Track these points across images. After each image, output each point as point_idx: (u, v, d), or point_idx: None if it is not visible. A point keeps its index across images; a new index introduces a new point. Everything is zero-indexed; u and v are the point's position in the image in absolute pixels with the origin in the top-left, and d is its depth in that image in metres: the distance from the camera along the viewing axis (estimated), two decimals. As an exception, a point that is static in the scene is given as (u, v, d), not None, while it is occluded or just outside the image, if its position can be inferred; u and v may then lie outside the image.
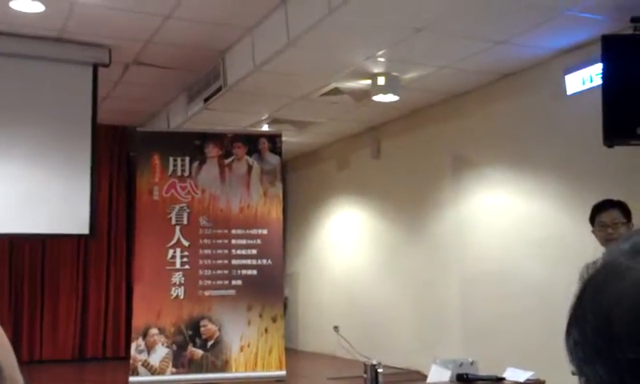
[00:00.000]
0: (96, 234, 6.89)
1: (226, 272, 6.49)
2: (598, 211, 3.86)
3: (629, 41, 4.49)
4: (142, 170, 6.71)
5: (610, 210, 3.82)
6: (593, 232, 3.89)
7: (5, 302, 8.58)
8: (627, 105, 4.35)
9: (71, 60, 6.24)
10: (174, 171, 6.65)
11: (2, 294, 8.59)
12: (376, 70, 5.99)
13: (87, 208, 6.25)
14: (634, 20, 4.45)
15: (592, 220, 3.89)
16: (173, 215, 6.54)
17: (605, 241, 3.79)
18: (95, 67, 6.33)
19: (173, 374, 6.21)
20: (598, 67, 4.78)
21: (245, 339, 6.38)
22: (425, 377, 6.14)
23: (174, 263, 6.45)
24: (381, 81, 6.01)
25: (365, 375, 3.70)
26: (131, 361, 6.27)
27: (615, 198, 3.97)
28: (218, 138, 6.84)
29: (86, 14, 5.50)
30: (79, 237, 7.33)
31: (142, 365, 6.21)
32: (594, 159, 5.09)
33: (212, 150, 6.77)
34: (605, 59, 4.48)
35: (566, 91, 5.35)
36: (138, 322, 6.35)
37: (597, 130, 4.54)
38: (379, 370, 3.64)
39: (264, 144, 6.87)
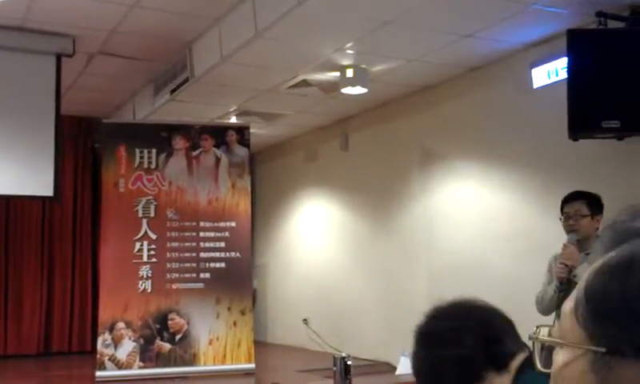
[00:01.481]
0: (61, 200, 6.68)
1: (194, 265, 6.45)
2: (564, 202, 3.93)
3: (594, 35, 4.55)
4: (108, 162, 6.63)
5: (574, 202, 3.87)
6: (560, 221, 3.97)
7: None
8: (592, 98, 4.40)
9: (34, 50, 6.12)
10: (141, 163, 6.58)
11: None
12: (344, 63, 5.98)
13: (51, 170, 6.06)
14: (599, 14, 4.51)
15: (561, 210, 3.97)
16: (139, 208, 6.48)
17: (567, 231, 3.86)
18: (59, 57, 6.21)
19: (140, 368, 6.17)
20: (564, 61, 4.83)
21: (213, 332, 6.35)
22: (394, 368, 6.18)
23: (140, 256, 6.39)
24: (349, 73, 6.01)
25: (334, 368, 3.71)
26: (98, 355, 6.21)
27: (582, 190, 4.03)
28: (185, 129, 6.79)
29: (50, 2, 5.39)
30: (43, 198, 7.10)
31: (109, 359, 6.15)
32: (561, 152, 5.16)
33: (179, 142, 6.72)
34: (570, 53, 4.53)
35: (532, 85, 5.40)
36: (104, 315, 6.28)
37: (563, 123, 4.60)
38: (348, 363, 3.65)
39: (232, 136, 6.83)
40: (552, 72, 5.24)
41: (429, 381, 1.44)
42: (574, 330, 0.69)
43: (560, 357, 0.70)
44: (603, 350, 0.65)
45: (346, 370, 3.71)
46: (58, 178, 6.13)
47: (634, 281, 0.64)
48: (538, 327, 3.21)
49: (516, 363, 1.64)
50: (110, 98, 8.08)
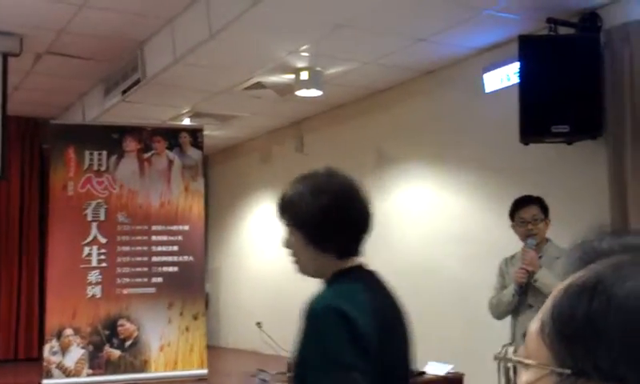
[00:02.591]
0: (7, 179, 6.43)
1: (145, 269, 6.33)
2: (517, 207, 3.94)
3: (545, 41, 4.61)
4: (56, 165, 6.46)
5: (529, 206, 3.90)
6: (512, 227, 3.96)
7: None
8: (543, 104, 4.47)
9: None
10: (91, 166, 6.44)
11: None
12: (299, 65, 5.95)
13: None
14: (549, 21, 4.57)
15: (512, 215, 3.96)
16: (89, 211, 6.33)
17: (525, 237, 3.88)
18: (5, 56, 6.03)
19: (89, 375, 6.02)
20: (516, 66, 4.90)
21: (165, 338, 6.24)
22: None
23: (90, 261, 6.24)
24: (304, 76, 5.98)
25: (289, 374, 3.66)
26: (45, 363, 6.03)
27: (533, 194, 4.08)
28: (136, 131, 6.66)
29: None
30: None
31: (57, 367, 5.98)
32: (512, 156, 5.22)
33: (130, 144, 6.59)
34: (521, 59, 4.59)
35: (484, 89, 5.46)
36: (51, 322, 6.11)
37: (514, 127, 4.65)
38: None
39: (185, 138, 6.73)
40: (504, 77, 5.31)
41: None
42: (539, 351, 0.68)
43: (525, 377, 0.69)
44: (568, 371, 0.64)
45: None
46: (5, 159, 5.95)
47: (600, 302, 0.63)
48: (504, 346, 3.26)
49: (350, 264, 1.73)
50: (58, 99, 7.89)
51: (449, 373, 4.15)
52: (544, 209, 3.92)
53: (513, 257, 4.03)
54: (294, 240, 1.83)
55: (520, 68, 4.61)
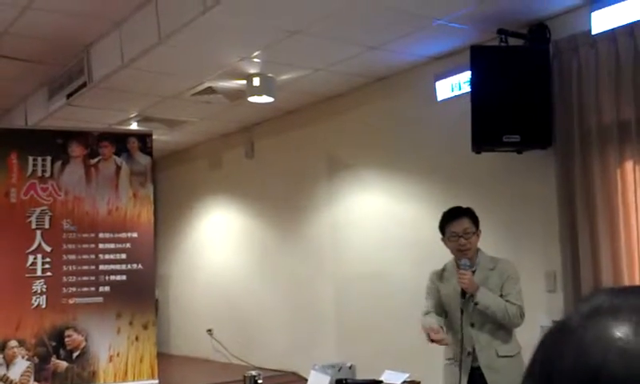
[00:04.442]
0: None
1: (92, 278, 6.16)
2: (448, 220, 3.78)
3: (495, 51, 4.69)
4: (-3, 170, 6.24)
5: (460, 219, 3.74)
6: (443, 241, 3.81)
7: None
8: (494, 113, 4.54)
9: None
10: (34, 172, 6.23)
11: None
12: (251, 71, 5.90)
13: None
14: (500, 32, 4.65)
15: (442, 229, 3.80)
16: (33, 219, 6.13)
17: (457, 251, 3.73)
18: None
19: (34, 388, 5.83)
20: (467, 75, 4.97)
21: (114, 348, 6.09)
22: (301, 378, 6.16)
23: (34, 270, 6.04)
24: (256, 82, 5.93)
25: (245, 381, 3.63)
26: (-12, 377, 5.82)
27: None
28: (82, 136, 6.48)
29: None
30: None
31: (1, 380, 5.78)
32: (463, 163, 5.29)
33: (76, 149, 6.40)
34: (473, 69, 4.66)
35: (436, 97, 5.52)
36: (-6, 334, 5.90)
37: (465, 135, 4.72)
38: (259, 382, 3.58)
39: (133, 143, 6.58)
40: (455, 85, 5.38)
41: None
42: None
43: None
44: None
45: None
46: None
47: None
48: (448, 360, 3.30)
49: None
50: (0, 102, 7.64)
51: (405, 381, 4.18)
52: (475, 221, 3.78)
53: (443, 270, 3.92)
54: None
55: (471, 78, 4.68)
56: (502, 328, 3.68)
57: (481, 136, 4.58)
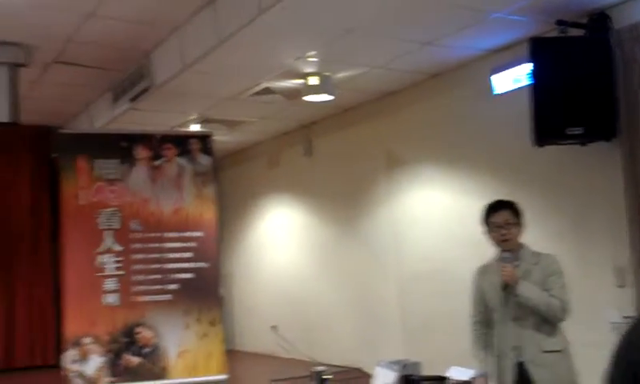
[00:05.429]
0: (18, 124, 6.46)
1: (160, 277, 6.35)
2: (489, 213, 3.80)
3: (555, 42, 4.63)
4: (67, 174, 6.46)
5: (501, 211, 3.76)
6: (486, 233, 3.82)
7: None
8: (556, 105, 4.48)
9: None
10: (102, 174, 6.44)
11: None
12: (308, 70, 5.97)
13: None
14: (559, 23, 4.60)
15: (485, 221, 3.82)
16: (102, 220, 6.35)
17: (498, 242, 3.74)
18: (13, 67, 6.06)
19: (109, 383, 6.06)
20: (524, 68, 4.92)
21: (183, 344, 6.27)
22: (365, 374, 6.22)
23: (104, 269, 6.26)
24: (313, 81, 6.00)
25: (312, 382, 3.71)
26: (65, 372, 6.07)
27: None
28: (146, 139, 6.66)
29: (3, 12, 5.25)
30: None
31: (77, 375, 6.03)
32: (522, 157, 5.24)
33: (141, 152, 6.60)
34: (533, 61, 4.61)
35: (492, 91, 5.48)
36: (69, 331, 6.14)
37: (523, 128, 4.68)
38: (327, 377, 3.66)
39: (195, 145, 6.74)
40: (512, 79, 5.33)
41: None
42: None
43: None
44: None
45: (322, 380, 3.72)
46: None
47: None
48: (497, 355, 3.21)
49: None
50: (66, 107, 7.92)
51: (472, 377, 4.18)
52: (516, 213, 3.78)
53: (487, 265, 3.91)
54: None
55: (532, 71, 4.62)
56: (547, 323, 3.64)
57: (543, 129, 4.53)
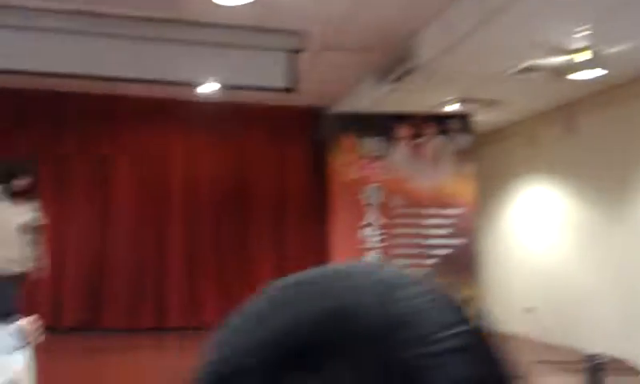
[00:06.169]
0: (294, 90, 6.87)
1: (420, 251, 6.60)
2: None
3: None
4: (334, 151, 6.95)
5: None
6: None
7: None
8: None
9: (268, 47, 6.54)
10: (367, 152, 6.82)
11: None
12: (576, 46, 5.74)
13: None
14: None
15: None
16: (366, 195, 6.73)
17: None
18: (291, 53, 6.58)
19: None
20: None
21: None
22: (630, 368, 5.86)
23: (368, 242, 6.65)
24: (583, 56, 5.76)
25: (585, 365, 3.66)
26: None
27: None
28: (408, 118, 6.93)
29: (281, 3, 5.75)
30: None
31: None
32: None
33: (403, 131, 6.88)
34: None
35: None
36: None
37: None
38: (600, 362, 3.58)
39: (455, 124, 6.87)
40: None
41: None
42: None
43: None
44: None
45: (597, 370, 3.65)
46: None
47: None
48: None
49: None
50: (332, 89, 8.43)
51: None
52: None
53: None
54: None
55: None
56: None
57: None
